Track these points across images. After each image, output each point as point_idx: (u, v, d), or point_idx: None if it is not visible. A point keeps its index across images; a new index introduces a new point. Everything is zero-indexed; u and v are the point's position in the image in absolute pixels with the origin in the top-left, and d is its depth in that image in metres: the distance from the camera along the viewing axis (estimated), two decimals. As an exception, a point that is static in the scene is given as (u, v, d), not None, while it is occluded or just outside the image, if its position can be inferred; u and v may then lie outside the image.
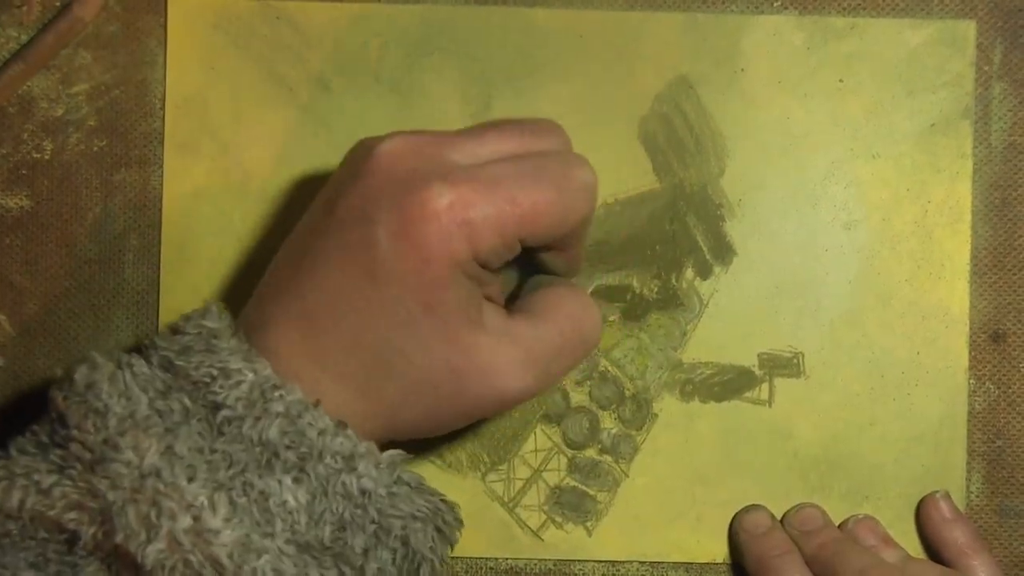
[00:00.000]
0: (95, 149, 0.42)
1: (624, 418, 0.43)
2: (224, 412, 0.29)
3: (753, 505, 0.42)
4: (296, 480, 0.29)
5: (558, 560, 0.43)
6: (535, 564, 0.43)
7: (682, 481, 0.42)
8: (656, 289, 0.43)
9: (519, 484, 0.43)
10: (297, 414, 0.29)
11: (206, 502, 0.28)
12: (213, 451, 0.29)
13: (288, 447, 0.29)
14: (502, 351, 0.31)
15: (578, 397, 0.43)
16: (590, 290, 0.42)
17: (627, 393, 0.43)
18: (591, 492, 0.43)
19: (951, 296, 0.42)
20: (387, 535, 0.30)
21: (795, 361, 0.42)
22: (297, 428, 0.29)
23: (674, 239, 0.43)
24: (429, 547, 0.31)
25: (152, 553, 0.27)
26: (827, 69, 0.42)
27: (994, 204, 0.43)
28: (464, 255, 0.29)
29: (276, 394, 0.29)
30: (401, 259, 0.29)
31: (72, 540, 0.28)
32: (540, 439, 0.43)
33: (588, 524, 0.43)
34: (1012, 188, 0.43)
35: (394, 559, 0.31)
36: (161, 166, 0.42)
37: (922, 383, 0.42)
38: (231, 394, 0.29)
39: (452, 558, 0.43)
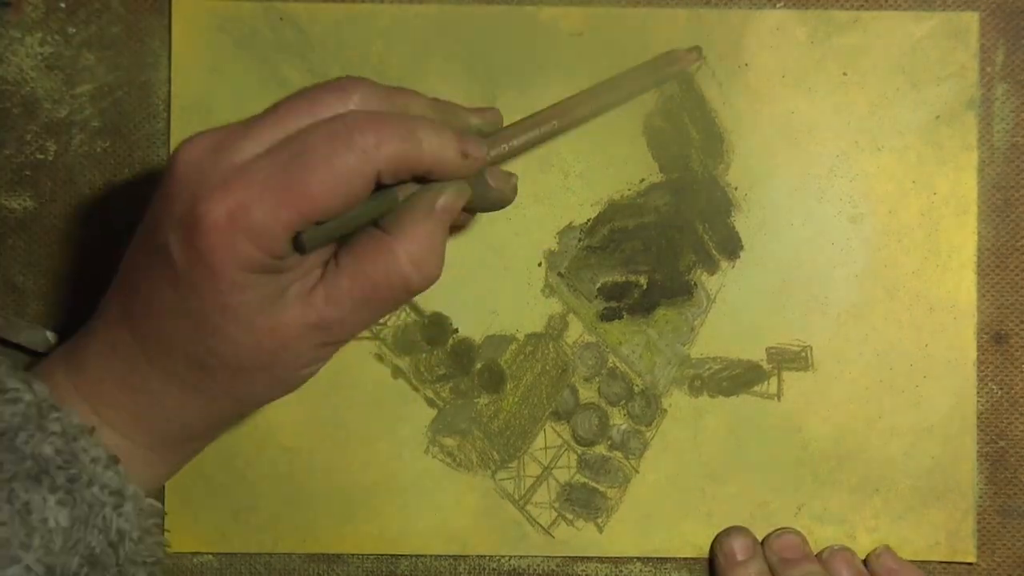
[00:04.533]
0: (98, 150, 0.42)
1: (633, 414, 0.42)
2: None
3: (736, 528, 0.42)
4: (60, 502, 0.30)
5: (563, 559, 0.42)
6: (539, 563, 0.43)
7: (692, 476, 0.42)
8: (663, 285, 0.43)
9: (529, 482, 0.42)
10: (73, 437, 0.31)
11: None
12: None
13: (60, 467, 0.30)
14: (298, 323, 0.31)
15: (587, 394, 0.43)
16: (597, 286, 0.42)
17: (636, 389, 0.42)
18: (601, 489, 0.42)
19: (958, 288, 0.42)
20: None
21: (803, 355, 0.42)
22: (71, 450, 0.30)
23: (680, 235, 0.43)
24: None
25: None
26: (831, 63, 0.42)
27: (997, 205, 0.43)
28: (252, 258, 0.29)
29: (53, 415, 0.31)
30: (193, 270, 0.30)
31: None
32: (550, 436, 0.43)
33: (599, 520, 0.42)
34: (1015, 189, 0.43)
35: None
36: (165, 167, 0.42)
37: (930, 375, 0.42)
38: (7, 409, 0.30)
39: (456, 558, 0.42)
